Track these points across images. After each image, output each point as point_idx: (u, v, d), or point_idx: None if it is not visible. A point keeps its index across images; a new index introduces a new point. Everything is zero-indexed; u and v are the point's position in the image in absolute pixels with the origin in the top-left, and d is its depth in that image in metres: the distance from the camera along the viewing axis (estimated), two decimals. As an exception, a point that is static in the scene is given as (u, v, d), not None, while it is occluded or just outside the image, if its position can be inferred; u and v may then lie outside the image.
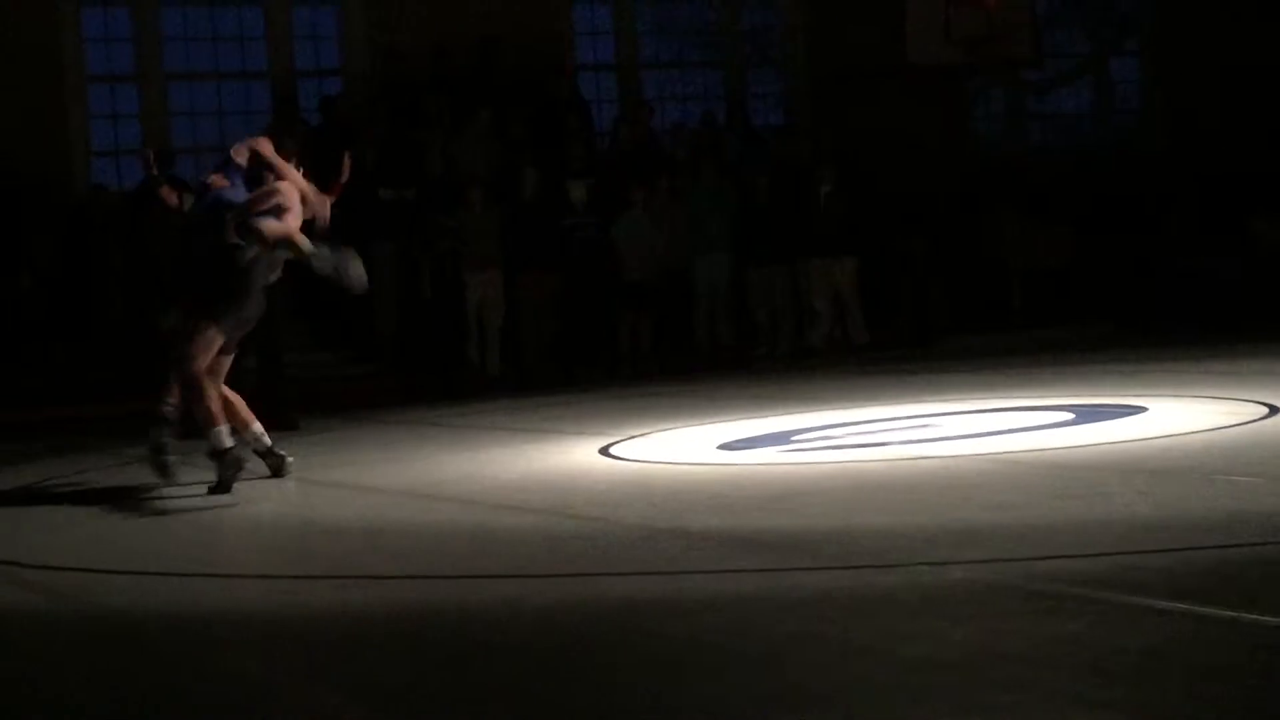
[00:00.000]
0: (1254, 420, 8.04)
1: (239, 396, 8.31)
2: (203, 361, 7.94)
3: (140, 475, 9.11)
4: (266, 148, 8.37)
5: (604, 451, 8.74)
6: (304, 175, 8.52)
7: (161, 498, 8.02)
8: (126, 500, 8.11)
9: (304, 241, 8.04)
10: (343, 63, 17.85)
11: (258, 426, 8.29)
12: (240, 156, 8.35)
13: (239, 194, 8.20)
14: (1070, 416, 8.78)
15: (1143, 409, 8.83)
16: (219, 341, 8.01)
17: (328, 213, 8.53)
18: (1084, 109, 20.97)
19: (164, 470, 8.14)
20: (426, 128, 16.42)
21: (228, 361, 8.19)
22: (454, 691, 4.13)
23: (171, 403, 8.25)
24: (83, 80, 16.84)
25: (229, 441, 7.90)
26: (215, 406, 7.94)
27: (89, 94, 16.94)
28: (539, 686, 4.12)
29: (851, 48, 18.29)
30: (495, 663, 4.41)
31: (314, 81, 17.78)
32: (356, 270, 8.16)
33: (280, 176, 8.26)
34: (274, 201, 8.13)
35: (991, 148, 19.41)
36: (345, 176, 10.52)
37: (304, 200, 8.30)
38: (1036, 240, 17.40)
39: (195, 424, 8.13)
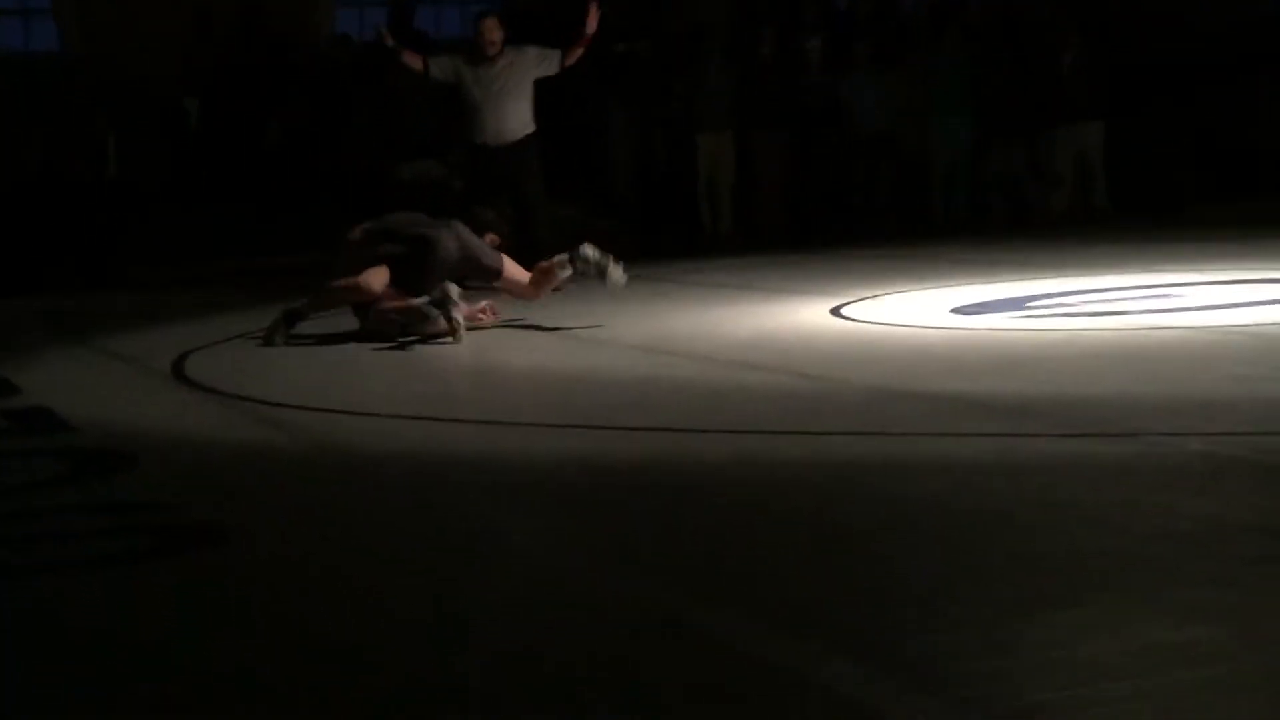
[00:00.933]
0: None
1: None
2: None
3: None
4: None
5: (835, 312, 8.72)
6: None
7: (399, 345, 8.21)
8: (363, 347, 8.31)
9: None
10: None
11: None
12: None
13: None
14: (1318, 289, 8.52)
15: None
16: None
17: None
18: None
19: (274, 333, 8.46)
20: (807, 68, 16.27)
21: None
22: (688, 545, 4.19)
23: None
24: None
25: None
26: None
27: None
28: (770, 542, 4.17)
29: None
30: (729, 516, 4.46)
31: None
32: (616, 273, 8.49)
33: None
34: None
35: (1251, 9, 18.65)
36: (592, 29, 10.60)
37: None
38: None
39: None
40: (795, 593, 3.67)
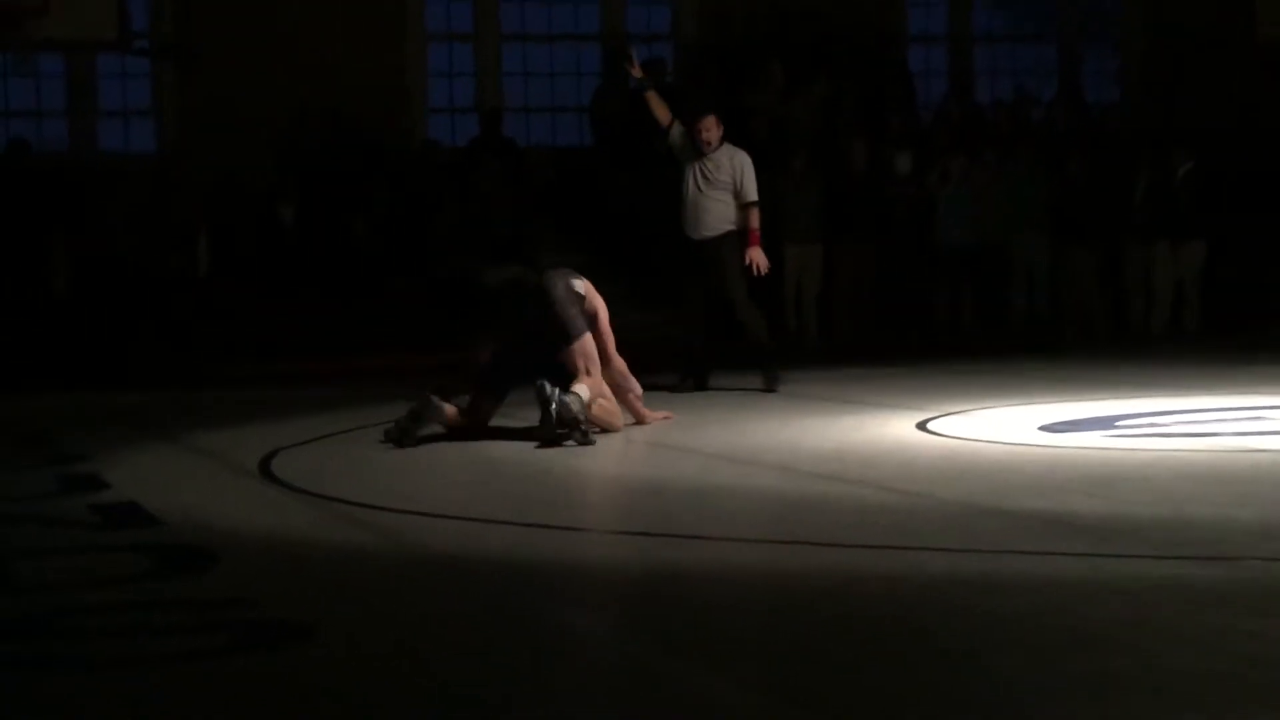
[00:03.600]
0: None
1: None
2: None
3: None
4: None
5: (921, 426, 8.66)
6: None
7: (483, 447, 8.22)
8: (450, 447, 8.33)
9: None
10: (673, 27, 17.99)
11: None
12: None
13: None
14: None
15: None
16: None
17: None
18: None
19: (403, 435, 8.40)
20: (757, 92, 16.43)
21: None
22: (769, 651, 4.15)
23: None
24: (423, 38, 17.32)
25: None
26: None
27: (428, 52, 17.43)
28: (854, 655, 4.12)
29: (1192, 24, 17.72)
30: (811, 628, 4.41)
31: (644, 45, 17.96)
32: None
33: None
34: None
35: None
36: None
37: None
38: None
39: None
40: (878, 703, 3.61)
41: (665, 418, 9.13)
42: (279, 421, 9.92)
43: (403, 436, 8.36)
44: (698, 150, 10.94)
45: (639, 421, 8.90)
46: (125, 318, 14.25)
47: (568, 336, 8.48)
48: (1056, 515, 5.88)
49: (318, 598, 4.99)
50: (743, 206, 10.92)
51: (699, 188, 10.93)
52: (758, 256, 10.89)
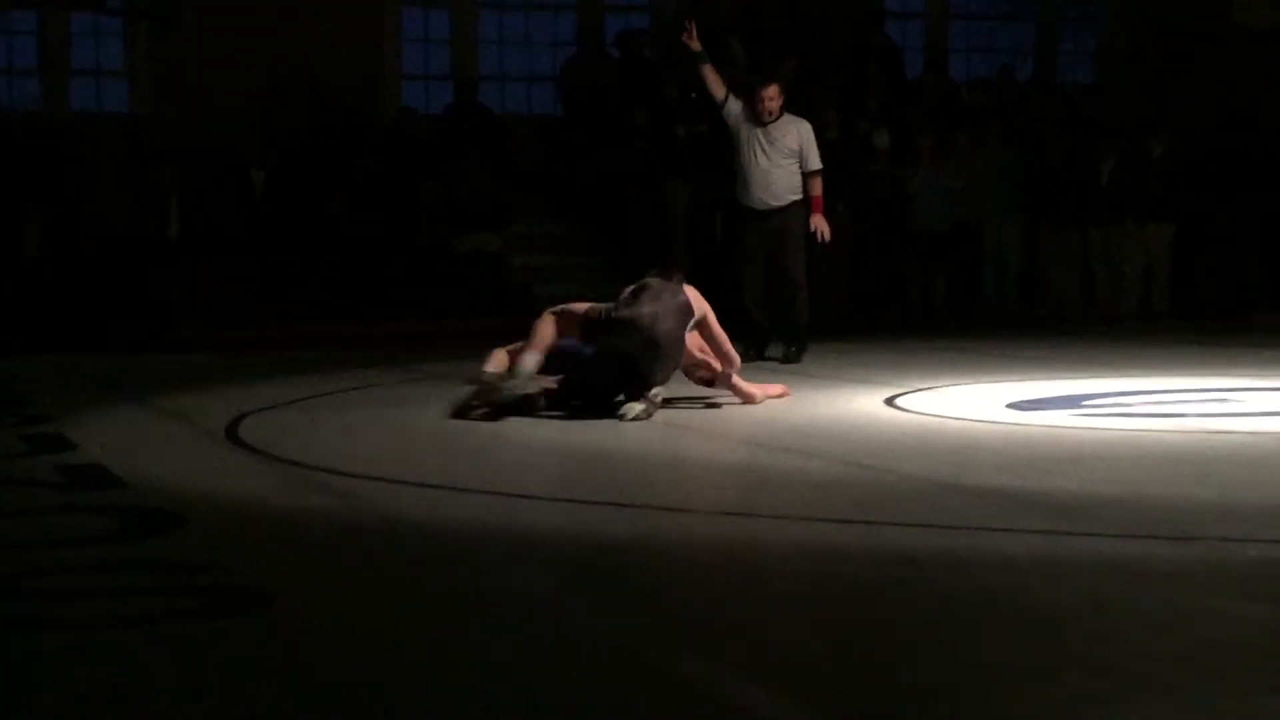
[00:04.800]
0: None
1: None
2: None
3: (430, 393, 9.38)
4: None
5: (889, 402, 8.68)
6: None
7: (440, 415, 8.22)
8: (421, 415, 8.33)
9: None
10: (651, -2, 17.97)
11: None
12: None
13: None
14: (1380, 400, 8.44)
15: None
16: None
17: None
18: None
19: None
20: (731, 68, 16.41)
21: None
22: (725, 624, 4.16)
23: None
24: (398, 4, 17.25)
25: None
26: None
27: (403, 17, 17.36)
28: (807, 630, 4.13)
29: (1170, 7, 17.75)
30: (765, 601, 4.43)
31: (621, 16, 17.92)
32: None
33: None
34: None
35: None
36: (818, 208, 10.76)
37: None
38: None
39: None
40: (828, 679, 3.63)
41: (783, 393, 8.86)
42: (247, 386, 9.90)
43: (466, 411, 7.99)
44: (758, 120, 10.90)
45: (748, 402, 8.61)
46: (95, 280, 14.19)
47: (647, 383, 8.06)
48: (1019, 492, 5.91)
49: (281, 563, 4.99)
50: (807, 175, 10.95)
51: (766, 156, 10.90)
52: (823, 224, 10.96)
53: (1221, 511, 5.49)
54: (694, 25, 11.03)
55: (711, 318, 8.33)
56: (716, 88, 11.00)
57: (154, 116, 16.11)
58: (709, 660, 3.79)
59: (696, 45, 11.01)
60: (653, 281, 8.20)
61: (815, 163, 10.99)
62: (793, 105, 11.33)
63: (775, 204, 10.93)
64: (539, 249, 16.07)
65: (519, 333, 8.31)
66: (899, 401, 8.71)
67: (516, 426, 7.89)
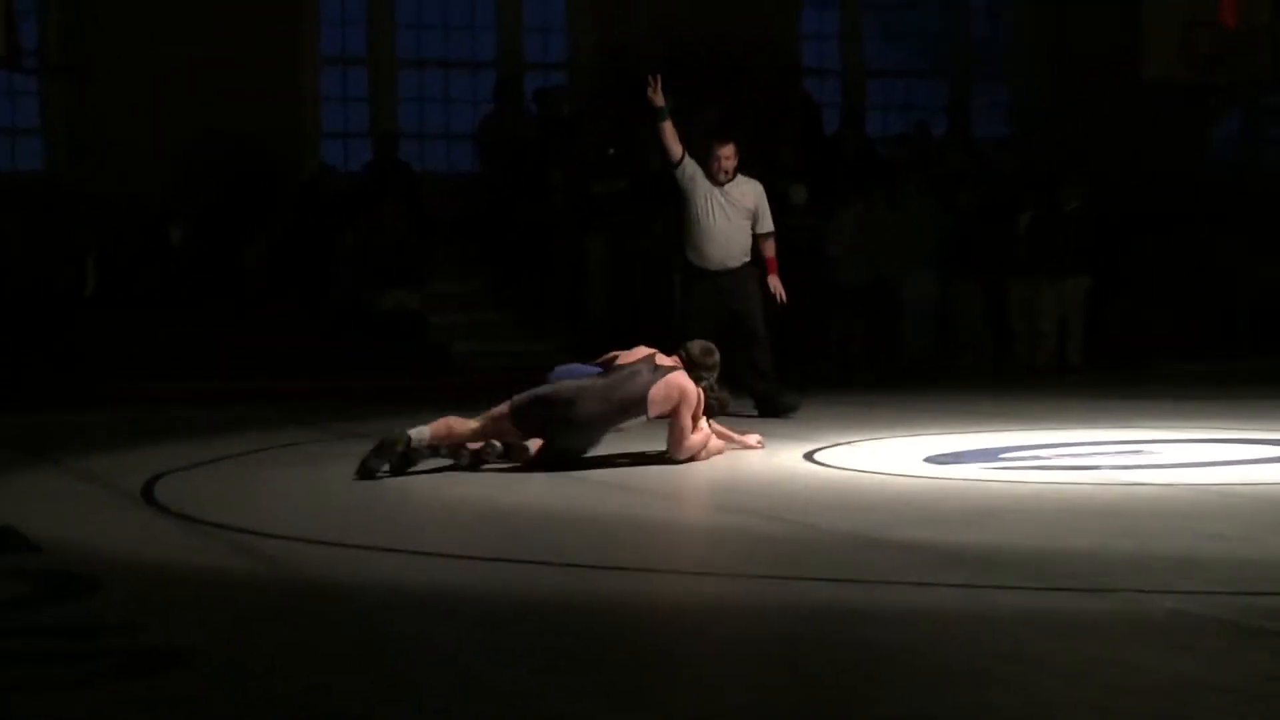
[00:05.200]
0: None
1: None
2: None
3: (348, 452, 9.33)
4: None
5: (809, 457, 8.71)
6: None
7: (388, 474, 8.19)
8: (336, 474, 8.29)
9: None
10: (569, 56, 18.03)
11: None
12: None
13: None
14: (1292, 451, 8.55)
15: (1369, 448, 8.57)
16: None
17: None
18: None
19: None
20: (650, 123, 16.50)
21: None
22: (639, 680, 4.15)
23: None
24: (317, 62, 17.24)
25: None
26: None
27: (323, 76, 17.35)
28: (722, 684, 4.13)
29: (1081, 62, 18.01)
30: (683, 656, 4.42)
31: (539, 74, 17.98)
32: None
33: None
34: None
35: (1224, 170, 18.93)
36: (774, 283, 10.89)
37: None
38: (1266, 268, 16.93)
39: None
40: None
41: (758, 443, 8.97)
42: (164, 445, 9.81)
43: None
44: (714, 179, 10.81)
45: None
46: (10, 337, 14.05)
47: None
48: (938, 546, 5.94)
49: (197, 624, 4.94)
50: (760, 236, 10.90)
51: (727, 217, 10.81)
52: (779, 286, 10.93)
53: (1138, 563, 5.54)
54: (659, 80, 10.81)
55: (682, 414, 8.23)
56: (674, 145, 10.82)
57: (70, 174, 15.99)
58: (629, 715, 3.78)
59: (660, 100, 10.77)
60: (631, 363, 8.31)
61: (769, 224, 10.93)
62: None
63: (733, 265, 10.85)
64: (457, 306, 16.05)
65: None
66: (818, 456, 8.74)
67: (434, 485, 7.85)
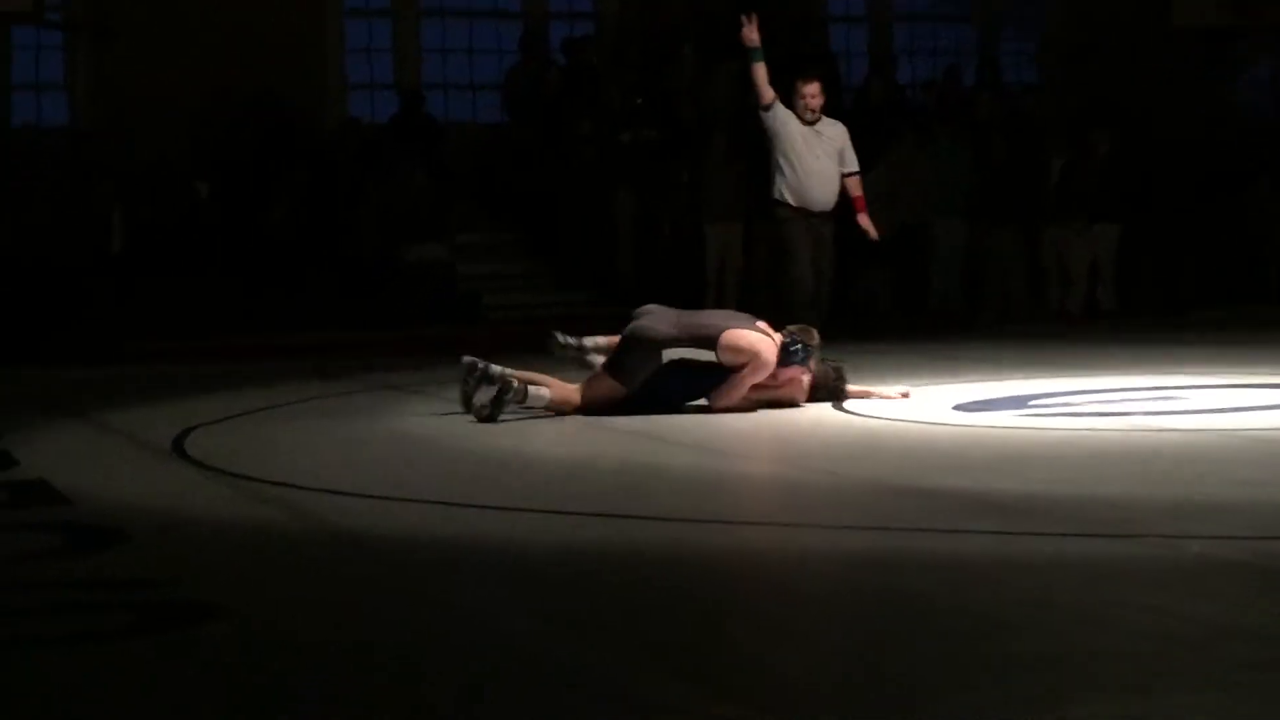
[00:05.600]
0: None
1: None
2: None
3: (379, 404, 9.36)
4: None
5: (838, 406, 8.70)
6: None
7: (402, 426, 8.20)
8: (372, 426, 8.31)
9: None
10: (595, 6, 17.95)
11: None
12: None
13: None
14: (1322, 396, 8.51)
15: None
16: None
17: None
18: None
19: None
20: (676, 74, 16.45)
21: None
22: (677, 632, 4.16)
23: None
24: (340, 14, 17.20)
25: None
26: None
27: (346, 28, 17.31)
28: (760, 635, 4.13)
29: (1112, 7, 17.86)
30: (716, 607, 4.43)
31: (565, 24, 17.91)
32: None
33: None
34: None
35: (1256, 117, 18.77)
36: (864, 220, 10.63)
37: None
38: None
39: None
40: (781, 684, 3.63)
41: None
42: (193, 399, 9.85)
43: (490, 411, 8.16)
44: (802, 120, 10.55)
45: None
46: (39, 294, 14.09)
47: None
48: (968, 494, 5.93)
49: (226, 577, 4.96)
50: (848, 175, 10.66)
51: (822, 157, 10.53)
52: (869, 224, 10.72)
53: (1166, 509, 5.53)
54: (755, 19, 10.47)
55: (746, 375, 8.25)
56: (765, 87, 10.49)
57: (95, 129, 16.00)
58: (661, 671, 3.79)
59: (756, 40, 10.45)
60: (729, 312, 8.65)
61: (855, 162, 10.70)
62: (736, 109, 11.14)
63: (829, 207, 10.60)
64: (486, 258, 16.04)
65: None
66: (847, 405, 8.72)
67: (462, 436, 7.87)
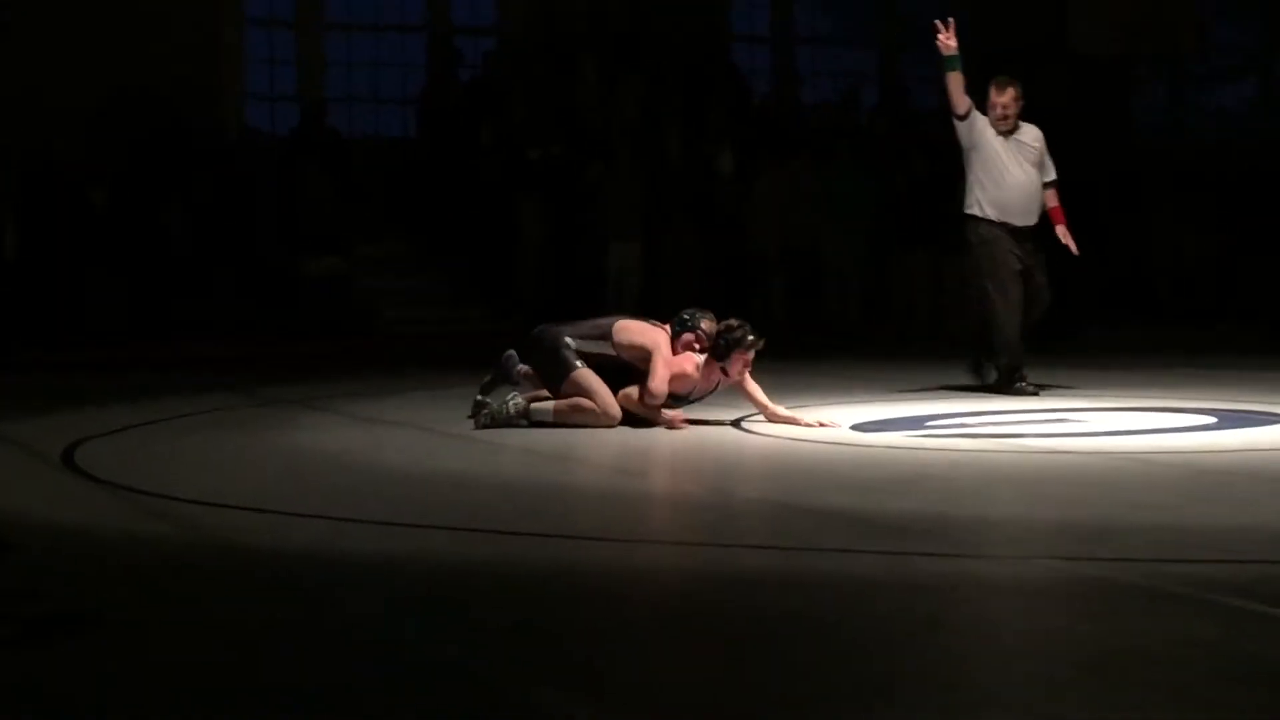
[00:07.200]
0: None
1: None
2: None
3: (273, 417, 9.27)
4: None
5: (736, 424, 8.71)
6: None
7: (292, 440, 8.12)
8: (261, 440, 8.22)
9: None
10: (498, 20, 17.93)
11: None
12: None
13: None
14: (1212, 420, 8.61)
15: (1288, 417, 8.65)
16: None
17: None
18: (1246, 106, 20.54)
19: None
20: (579, 87, 16.47)
21: None
22: (564, 645, 4.13)
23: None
24: (241, 23, 17.06)
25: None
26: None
27: (247, 38, 17.17)
28: (646, 649, 4.12)
29: (1011, 32, 18.06)
30: (606, 621, 4.41)
31: (470, 39, 17.87)
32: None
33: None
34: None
35: (1149, 140, 19.04)
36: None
37: None
38: (1188, 237, 17.07)
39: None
40: (663, 698, 3.61)
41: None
42: (85, 410, 9.70)
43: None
44: (999, 126, 10.00)
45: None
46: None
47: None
48: (863, 514, 5.95)
49: (111, 590, 4.89)
50: (1046, 184, 10.14)
51: (1024, 168, 10.00)
52: (1069, 236, 10.14)
53: (1058, 530, 5.57)
54: (952, 26, 9.98)
55: (657, 363, 8.33)
56: (960, 96, 9.98)
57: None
58: (550, 682, 3.77)
59: (954, 47, 10.01)
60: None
61: (1054, 171, 10.10)
62: (639, 125, 11.20)
63: (1034, 220, 10.09)
64: (386, 272, 15.96)
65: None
66: (745, 424, 8.74)
67: (353, 450, 7.80)
